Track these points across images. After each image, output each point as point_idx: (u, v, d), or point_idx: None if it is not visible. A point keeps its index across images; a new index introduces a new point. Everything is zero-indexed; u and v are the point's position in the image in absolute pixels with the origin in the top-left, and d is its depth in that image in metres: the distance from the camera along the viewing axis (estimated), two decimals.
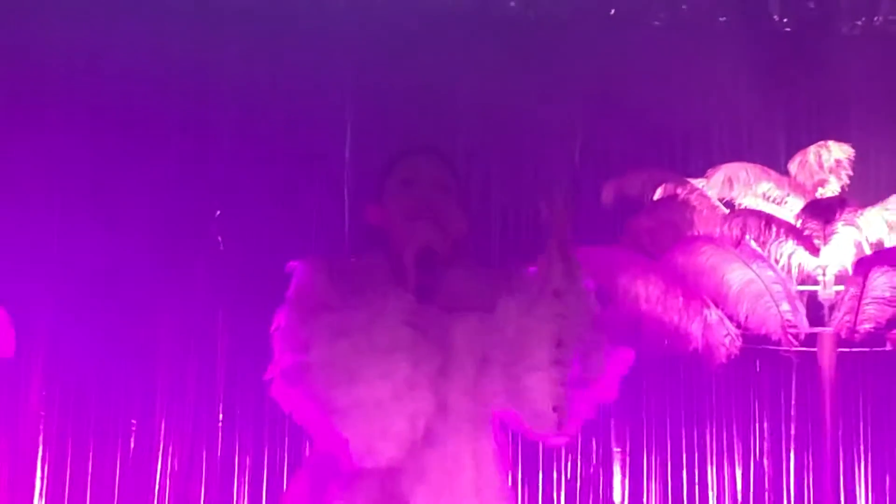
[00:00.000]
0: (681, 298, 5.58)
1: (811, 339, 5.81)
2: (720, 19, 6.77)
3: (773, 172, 6.07)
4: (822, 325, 5.80)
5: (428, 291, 2.50)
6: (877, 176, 6.52)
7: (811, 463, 6.45)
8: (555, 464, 6.44)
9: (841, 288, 5.76)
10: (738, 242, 5.61)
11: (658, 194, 5.94)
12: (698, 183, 5.97)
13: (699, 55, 6.55)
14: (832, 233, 5.68)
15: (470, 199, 2.50)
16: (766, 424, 6.58)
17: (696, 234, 5.81)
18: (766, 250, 5.72)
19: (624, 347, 2.58)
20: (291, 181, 6.48)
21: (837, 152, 6.02)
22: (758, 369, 6.57)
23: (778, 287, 5.69)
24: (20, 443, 6.09)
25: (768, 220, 5.60)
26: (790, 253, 5.76)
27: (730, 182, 5.96)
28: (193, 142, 6.40)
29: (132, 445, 6.22)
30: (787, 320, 5.67)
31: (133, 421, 6.23)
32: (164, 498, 6.20)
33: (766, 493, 6.52)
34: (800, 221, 5.74)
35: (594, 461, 6.50)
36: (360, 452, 2.39)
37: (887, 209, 5.86)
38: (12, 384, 6.09)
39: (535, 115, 6.56)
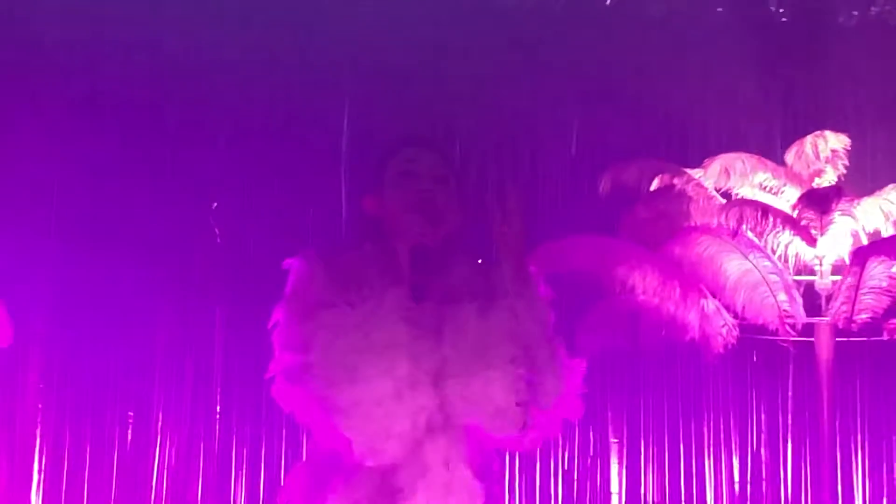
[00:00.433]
0: (678, 289, 5.58)
1: (808, 329, 5.82)
2: (717, 9, 6.76)
3: (769, 162, 6.06)
4: (819, 314, 5.81)
5: (423, 284, 2.50)
6: (873, 166, 6.51)
7: (808, 452, 6.45)
8: (552, 454, 6.45)
9: (838, 278, 5.77)
10: (735, 233, 5.61)
11: (655, 185, 5.93)
12: (695, 173, 5.97)
13: (696, 45, 6.55)
14: (829, 223, 5.68)
15: (467, 191, 2.49)
16: (763, 414, 6.58)
17: (693, 224, 5.81)
18: (763, 240, 5.72)
19: (576, 359, 2.54)
20: (288, 175, 6.48)
21: (834, 142, 6.01)
22: (755, 359, 6.56)
23: (775, 277, 5.70)
24: (18, 435, 6.09)
25: (765, 210, 5.59)
26: (787, 243, 5.77)
27: (726, 172, 5.95)
28: (190, 137, 6.39)
29: (129, 437, 6.22)
30: (784, 310, 5.68)
31: (130, 413, 6.24)
32: (162, 489, 6.21)
33: (764, 483, 6.52)
34: (797, 211, 5.74)
35: (591, 452, 6.51)
36: (364, 452, 2.39)
37: (884, 199, 5.86)
38: (10, 376, 6.10)
39: (532, 106, 6.56)
